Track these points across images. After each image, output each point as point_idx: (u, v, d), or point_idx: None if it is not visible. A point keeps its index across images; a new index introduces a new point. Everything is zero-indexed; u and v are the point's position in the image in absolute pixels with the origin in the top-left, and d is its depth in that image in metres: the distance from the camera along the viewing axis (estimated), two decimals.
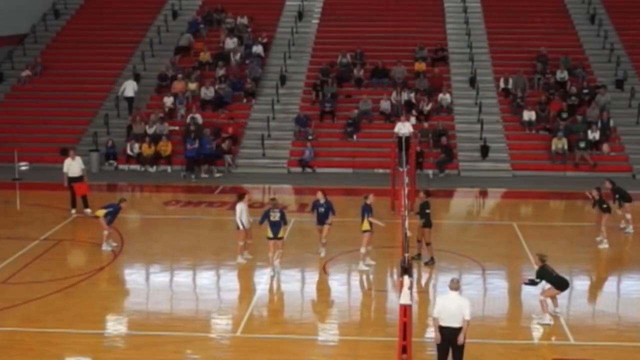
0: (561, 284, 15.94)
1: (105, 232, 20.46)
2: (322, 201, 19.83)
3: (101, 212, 20.45)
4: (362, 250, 19.13)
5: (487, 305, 17.60)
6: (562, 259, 20.02)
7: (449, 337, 13.10)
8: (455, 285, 13.34)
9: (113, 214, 20.49)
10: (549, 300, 16.09)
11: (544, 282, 15.98)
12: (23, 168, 30.11)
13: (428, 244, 19.21)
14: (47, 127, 33.18)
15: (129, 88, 33.90)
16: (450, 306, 13.04)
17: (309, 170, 30.50)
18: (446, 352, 13.25)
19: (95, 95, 35.07)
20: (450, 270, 19.40)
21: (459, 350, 13.17)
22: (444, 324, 13.08)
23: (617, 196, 21.78)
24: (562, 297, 17.84)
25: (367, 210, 19.13)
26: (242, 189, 28.30)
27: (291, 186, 28.73)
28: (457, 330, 13.04)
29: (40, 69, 36.43)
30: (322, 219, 19.85)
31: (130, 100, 33.84)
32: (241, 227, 19.32)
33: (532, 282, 16.06)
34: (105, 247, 20.40)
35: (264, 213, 18.86)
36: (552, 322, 15.89)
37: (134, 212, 26.14)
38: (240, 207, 19.33)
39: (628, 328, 16.02)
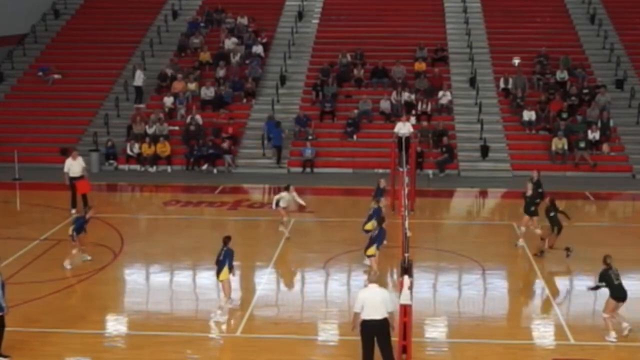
0: (620, 294, 15.10)
1: (74, 251, 18.84)
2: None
3: (70, 231, 18.94)
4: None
5: (487, 305, 17.62)
6: (562, 259, 20.05)
7: (373, 330, 13.07)
8: (374, 278, 13.42)
9: (79, 228, 18.83)
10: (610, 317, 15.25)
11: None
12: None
13: None
14: (47, 127, 33.19)
15: (138, 78, 34.15)
16: (374, 299, 13.02)
17: (308, 170, 30.48)
18: (372, 346, 13.20)
19: (95, 95, 35.06)
20: (450, 270, 19.44)
21: (385, 341, 13.15)
22: (367, 317, 13.02)
23: (539, 190, 21.19)
24: (562, 297, 17.93)
25: (377, 213, 19.12)
26: (242, 188, 28.42)
27: (291, 186, 28.64)
28: (380, 322, 13.03)
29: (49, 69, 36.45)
30: None
31: (138, 89, 34.02)
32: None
33: (597, 287, 15.53)
34: (66, 265, 18.82)
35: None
36: (616, 340, 15.12)
37: (133, 212, 26.20)
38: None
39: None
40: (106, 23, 39.13)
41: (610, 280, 15.16)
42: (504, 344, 15.17)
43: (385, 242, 18.42)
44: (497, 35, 37.76)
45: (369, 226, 19.09)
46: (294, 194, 21.79)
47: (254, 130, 32.49)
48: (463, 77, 35.27)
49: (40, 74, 36.00)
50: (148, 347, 14.86)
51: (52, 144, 31.40)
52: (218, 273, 16.13)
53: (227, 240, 16.29)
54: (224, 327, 15.89)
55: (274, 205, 21.67)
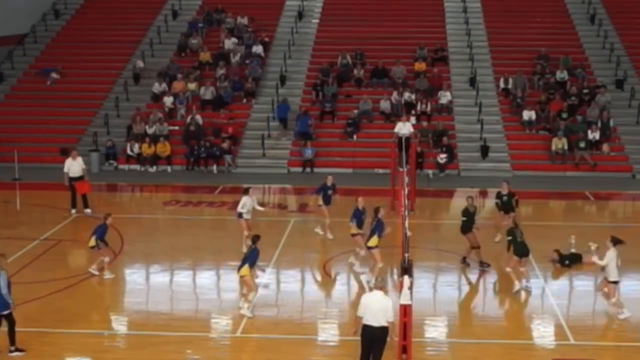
0: (521, 251, 17.45)
1: (107, 259, 18.50)
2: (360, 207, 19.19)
3: (92, 242, 18.28)
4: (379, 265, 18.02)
5: (487, 305, 17.62)
6: None
7: (370, 336, 13.05)
8: (380, 285, 13.36)
9: (102, 234, 18.39)
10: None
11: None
12: None
13: None
14: (47, 127, 33.18)
15: (155, 88, 34.32)
16: (373, 306, 12.99)
17: (308, 170, 30.47)
18: (369, 352, 13.17)
19: (95, 95, 35.05)
20: (450, 270, 19.43)
21: (378, 350, 13.10)
22: (366, 322, 13.04)
23: (566, 262, 19.68)
24: (563, 297, 17.94)
25: (358, 215, 18.80)
26: (242, 189, 28.38)
27: (291, 186, 28.71)
28: (377, 330, 12.96)
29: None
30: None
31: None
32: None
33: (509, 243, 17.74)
34: (107, 275, 18.52)
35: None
36: (518, 289, 17.46)
37: (133, 212, 26.19)
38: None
39: (628, 328, 16.03)
40: (106, 23, 39.14)
41: (515, 237, 17.42)
42: (504, 344, 15.18)
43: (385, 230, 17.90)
44: (497, 35, 37.76)
45: (372, 242, 17.79)
46: (254, 198, 20.91)
47: (254, 130, 32.48)
48: (463, 77, 35.28)
49: (52, 75, 35.86)
50: (148, 347, 14.87)
51: (52, 144, 31.39)
52: (239, 268, 16.23)
53: (255, 239, 16.48)
54: (223, 327, 15.90)
55: (237, 216, 20.36)
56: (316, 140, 31.58)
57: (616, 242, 16.31)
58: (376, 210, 17.84)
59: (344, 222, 22.25)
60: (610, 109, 32.22)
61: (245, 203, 20.29)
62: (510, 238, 17.67)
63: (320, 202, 21.64)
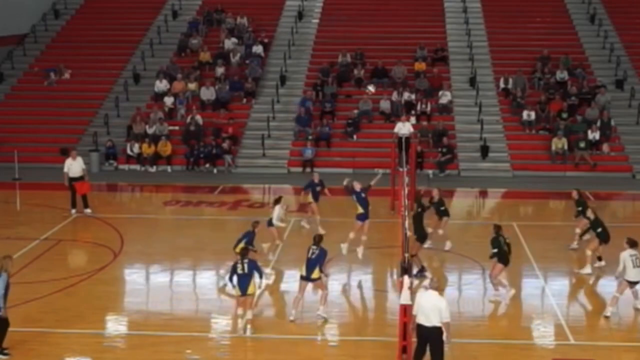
0: (504, 259, 16.89)
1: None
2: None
3: (242, 245, 17.25)
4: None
5: (487, 305, 17.61)
6: (562, 259, 20.07)
7: (424, 335, 13.11)
8: (434, 285, 13.38)
9: (251, 240, 17.76)
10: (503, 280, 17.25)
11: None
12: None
13: None
14: (47, 127, 33.19)
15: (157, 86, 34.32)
16: (425, 305, 13.04)
17: (308, 170, 30.47)
18: (422, 350, 13.22)
19: (95, 95, 35.07)
20: (450, 270, 19.45)
21: (436, 349, 13.11)
22: (419, 322, 13.10)
23: (579, 209, 20.41)
24: (562, 297, 17.94)
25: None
26: (242, 188, 28.42)
27: (291, 186, 28.71)
28: (430, 330, 12.98)
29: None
30: None
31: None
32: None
33: (493, 255, 16.98)
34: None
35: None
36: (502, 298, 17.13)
37: (133, 212, 26.20)
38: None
39: (628, 328, 16.03)
40: (106, 23, 39.15)
41: (500, 246, 16.82)
42: (504, 343, 15.18)
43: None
44: (497, 35, 37.77)
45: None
46: (284, 208, 20.33)
47: (254, 130, 32.49)
48: (463, 77, 35.29)
49: (51, 76, 35.83)
50: (148, 347, 14.86)
51: (52, 144, 31.39)
52: (247, 287, 15.05)
53: (245, 252, 15.52)
54: (223, 327, 15.89)
55: (275, 221, 19.65)
56: (317, 140, 31.58)
57: (633, 244, 16.29)
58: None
59: (344, 222, 22.33)
60: (610, 109, 32.22)
61: (279, 213, 19.79)
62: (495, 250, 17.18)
63: (310, 199, 22.25)
